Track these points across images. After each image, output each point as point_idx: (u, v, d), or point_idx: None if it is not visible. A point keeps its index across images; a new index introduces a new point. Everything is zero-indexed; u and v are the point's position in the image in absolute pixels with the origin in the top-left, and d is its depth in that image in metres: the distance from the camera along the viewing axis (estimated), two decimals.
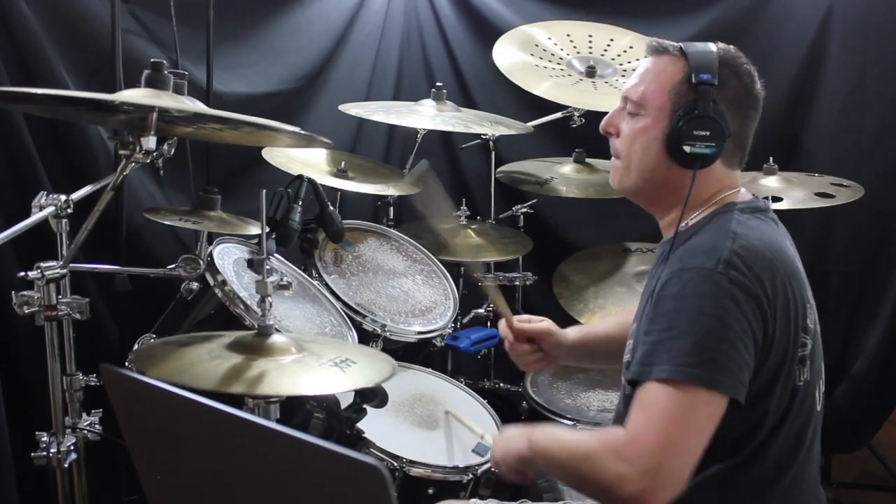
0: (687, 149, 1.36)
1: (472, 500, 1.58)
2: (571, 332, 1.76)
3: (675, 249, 1.37)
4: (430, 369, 2.26)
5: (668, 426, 1.23)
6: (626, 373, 1.43)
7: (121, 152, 1.63)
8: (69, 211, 1.65)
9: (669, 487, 1.22)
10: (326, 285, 2.20)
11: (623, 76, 2.73)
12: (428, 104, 2.59)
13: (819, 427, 1.41)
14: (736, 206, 1.40)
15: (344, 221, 2.22)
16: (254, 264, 1.51)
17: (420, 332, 2.24)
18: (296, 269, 2.21)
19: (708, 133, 1.36)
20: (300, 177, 2.05)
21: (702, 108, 1.36)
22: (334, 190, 2.44)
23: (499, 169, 2.91)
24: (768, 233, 1.38)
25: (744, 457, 1.32)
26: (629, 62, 2.78)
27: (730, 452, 1.31)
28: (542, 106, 2.76)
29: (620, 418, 1.48)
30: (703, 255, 1.29)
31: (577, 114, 2.75)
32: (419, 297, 2.35)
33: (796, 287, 1.34)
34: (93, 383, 1.78)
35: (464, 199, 2.80)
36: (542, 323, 1.75)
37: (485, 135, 2.86)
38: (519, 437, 1.41)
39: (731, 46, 1.44)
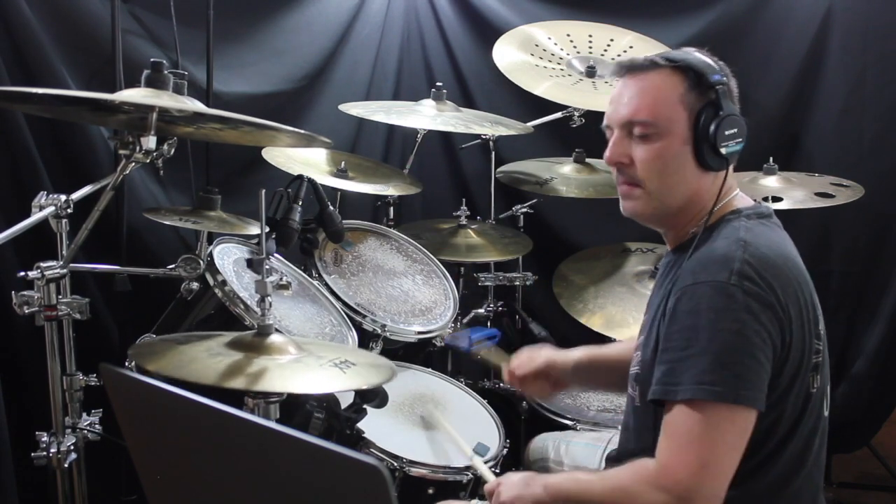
0: (724, 150, 1.35)
1: (474, 502, 1.58)
2: (576, 353, 1.74)
3: (682, 259, 1.35)
4: (430, 369, 2.26)
5: (698, 449, 1.22)
6: (633, 384, 1.43)
7: (121, 152, 1.63)
8: (69, 211, 1.65)
9: None
10: (326, 285, 2.20)
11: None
12: (428, 104, 2.59)
13: (826, 433, 1.40)
14: (742, 213, 1.38)
15: (344, 221, 2.22)
16: (253, 264, 1.51)
17: (420, 332, 2.24)
18: (296, 269, 2.21)
19: (736, 130, 1.36)
20: (300, 177, 2.05)
21: (726, 108, 1.35)
22: (334, 190, 2.44)
23: (499, 169, 2.91)
24: (776, 239, 1.37)
25: (755, 463, 1.31)
26: None
27: (742, 458, 1.30)
28: (542, 106, 2.75)
29: (628, 429, 1.47)
30: (714, 268, 1.28)
31: (577, 114, 2.75)
32: (419, 297, 2.35)
33: (807, 293, 1.34)
34: (93, 383, 1.78)
35: (464, 199, 2.80)
36: (540, 359, 1.74)
37: (485, 135, 2.86)
38: (531, 484, 1.39)
39: (699, 49, 1.44)
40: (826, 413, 1.40)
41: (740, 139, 1.37)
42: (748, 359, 1.23)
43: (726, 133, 1.35)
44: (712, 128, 1.34)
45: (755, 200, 1.46)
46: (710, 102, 1.36)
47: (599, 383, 1.83)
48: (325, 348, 1.58)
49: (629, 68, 1.41)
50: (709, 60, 1.39)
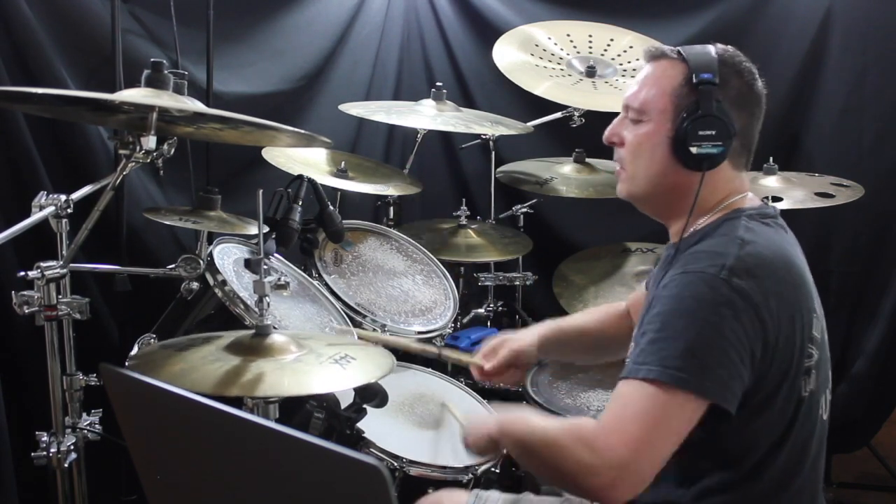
0: (693, 150, 1.34)
1: (475, 491, 1.58)
2: (537, 331, 1.77)
3: (680, 254, 1.35)
4: (430, 369, 2.26)
5: (644, 425, 1.22)
6: None
7: (121, 152, 1.64)
8: (69, 211, 1.65)
9: (634, 485, 1.22)
10: (326, 285, 2.20)
11: (623, 76, 2.73)
12: (428, 104, 2.59)
13: (825, 436, 1.39)
14: (744, 212, 1.37)
15: (344, 221, 2.22)
16: (251, 264, 1.51)
17: (420, 332, 2.24)
18: (296, 269, 2.21)
19: (714, 132, 1.34)
20: (300, 177, 2.05)
21: (705, 108, 1.34)
22: (334, 190, 2.44)
23: (499, 169, 2.91)
24: (777, 240, 1.36)
25: (749, 466, 1.31)
26: (629, 62, 2.78)
27: (733, 462, 1.30)
28: (542, 106, 2.76)
29: None
30: (707, 260, 1.28)
31: (577, 114, 2.75)
32: (419, 297, 2.35)
33: (803, 297, 1.33)
34: (93, 383, 1.78)
35: (464, 199, 2.80)
36: (503, 350, 1.77)
37: (485, 135, 2.86)
38: (490, 418, 1.43)
39: (730, 46, 1.43)
40: (825, 417, 1.39)
41: (718, 143, 1.34)
42: (720, 353, 1.23)
43: (699, 133, 1.34)
44: (685, 125, 1.35)
45: (763, 201, 1.45)
46: (696, 100, 1.35)
47: (569, 355, 1.85)
48: (325, 343, 1.58)
49: (650, 55, 1.45)
50: (713, 57, 1.37)
